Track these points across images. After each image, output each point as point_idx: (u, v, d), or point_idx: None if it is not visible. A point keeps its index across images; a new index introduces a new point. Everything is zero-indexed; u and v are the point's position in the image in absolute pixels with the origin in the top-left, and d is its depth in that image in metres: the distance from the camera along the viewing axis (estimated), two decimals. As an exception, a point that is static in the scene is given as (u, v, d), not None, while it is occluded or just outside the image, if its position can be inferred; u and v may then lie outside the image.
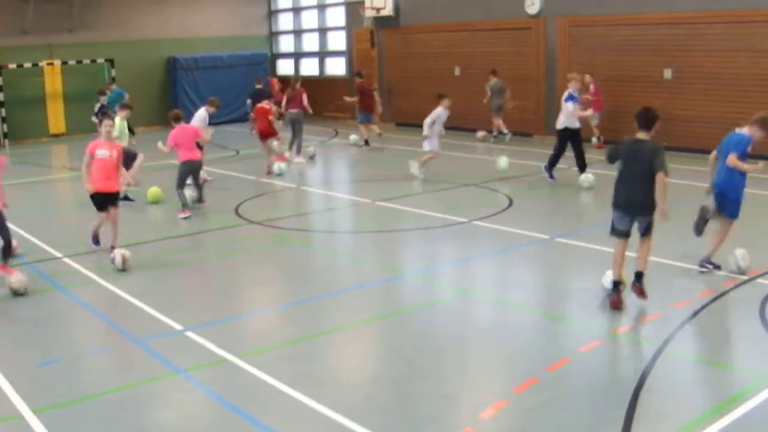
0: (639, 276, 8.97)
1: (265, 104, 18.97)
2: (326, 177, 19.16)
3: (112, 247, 11.56)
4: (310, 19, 32.32)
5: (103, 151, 11.59)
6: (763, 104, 17.82)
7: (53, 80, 27.80)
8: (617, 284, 8.98)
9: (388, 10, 27.09)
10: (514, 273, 10.80)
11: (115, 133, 13.53)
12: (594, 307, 9.37)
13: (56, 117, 27.96)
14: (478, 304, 9.59)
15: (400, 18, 27.31)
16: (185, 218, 14.18)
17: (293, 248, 12.59)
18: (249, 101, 23.64)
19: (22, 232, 13.39)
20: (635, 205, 8.96)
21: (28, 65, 26.95)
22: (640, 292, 8.86)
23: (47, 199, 17.51)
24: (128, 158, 13.25)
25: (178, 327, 8.73)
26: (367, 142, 22.42)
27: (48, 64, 27.53)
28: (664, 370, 7.26)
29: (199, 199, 15.24)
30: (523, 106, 23.18)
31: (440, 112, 17.14)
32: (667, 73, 19.87)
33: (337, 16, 30.83)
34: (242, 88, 28.62)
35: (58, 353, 8.16)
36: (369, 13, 27.59)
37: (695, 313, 8.66)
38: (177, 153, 14.57)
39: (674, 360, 7.55)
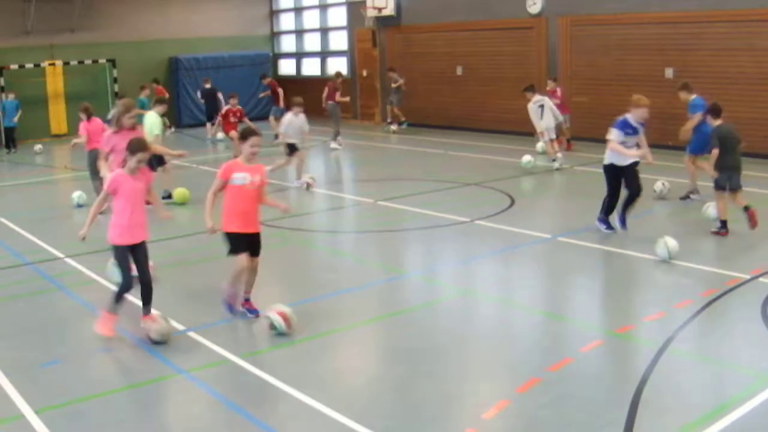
0: (746, 208, 11.59)
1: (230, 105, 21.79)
2: (328, 176, 19.16)
3: (247, 300, 9.11)
4: (311, 19, 32.33)
5: (244, 175, 8.68)
6: (764, 103, 17.87)
7: (55, 81, 27.84)
8: (724, 222, 11.69)
9: (389, 10, 27.09)
10: (516, 273, 10.80)
11: (154, 130, 14.35)
12: (596, 307, 9.39)
13: (58, 117, 28.01)
14: (480, 304, 9.58)
15: (401, 18, 27.31)
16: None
17: (295, 248, 12.59)
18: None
19: (23, 233, 13.41)
20: (739, 167, 11.77)
21: (29, 66, 27.01)
22: (752, 215, 11.52)
23: (48, 199, 17.51)
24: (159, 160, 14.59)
25: (180, 327, 8.73)
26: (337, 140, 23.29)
27: (50, 64, 27.58)
28: (665, 369, 7.25)
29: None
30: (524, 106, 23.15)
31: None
32: (669, 73, 19.86)
33: (338, 16, 30.84)
34: (244, 88, 28.65)
35: (60, 353, 8.17)
36: (370, 13, 27.58)
37: (697, 313, 8.66)
38: (85, 143, 15.45)
39: (676, 359, 7.54)
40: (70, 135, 27.59)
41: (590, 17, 21.55)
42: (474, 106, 24.87)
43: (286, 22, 33.53)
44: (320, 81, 30.42)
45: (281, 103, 24.87)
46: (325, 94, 24.19)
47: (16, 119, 25.37)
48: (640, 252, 11.06)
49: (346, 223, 14.48)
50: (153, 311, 8.50)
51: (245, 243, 8.74)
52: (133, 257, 8.51)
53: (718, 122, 12.02)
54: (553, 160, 18.11)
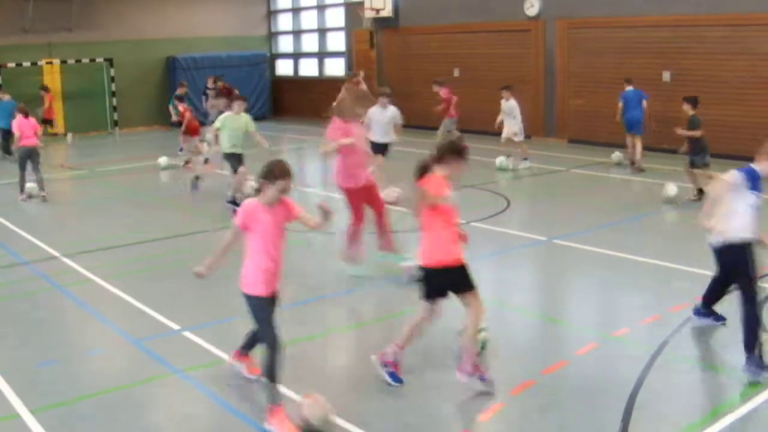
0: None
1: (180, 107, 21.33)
2: (323, 178, 19.14)
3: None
4: (309, 19, 32.34)
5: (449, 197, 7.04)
6: (761, 107, 17.91)
7: (52, 79, 27.80)
8: (701, 190, 11.92)
9: (387, 11, 27.10)
10: (511, 275, 10.81)
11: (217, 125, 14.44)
12: (591, 310, 9.40)
13: (55, 116, 27.95)
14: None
15: (399, 19, 27.33)
16: (23, 200, 16.42)
17: (290, 249, 12.54)
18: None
19: (20, 231, 13.40)
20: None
21: (27, 64, 26.98)
22: None
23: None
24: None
25: (175, 327, 8.74)
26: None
27: (47, 63, 27.55)
28: (661, 373, 7.27)
29: (41, 189, 16.72)
30: (522, 107, 23.21)
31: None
32: (666, 76, 19.90)
33: (336, 16, 30.86)
34: (242, 88, 28.66)
35: (56, 353, 8.17)
36: (368, 14, 27.61)
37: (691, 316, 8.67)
38: (18, 139, 16.48)
39: (671, 363, 7.56)
40: (68, 133, 27.68)
41: (587, 20, 21.58)
42: (471, 107, 24.84)
43: (284, 22, 33.54)
44: (317, 82, 30.51)
45: None
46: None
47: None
48: (636, 255, 11.08)
49: (341, 225, 14.44)
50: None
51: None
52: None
53: (694, 112, 14.42)
54: (525, 159, 18.76)
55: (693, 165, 14.47)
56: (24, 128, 16.57)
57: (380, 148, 14.68)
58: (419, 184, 7.11)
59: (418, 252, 7.26)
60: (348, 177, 10.12)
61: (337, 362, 8.07)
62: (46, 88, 25.49)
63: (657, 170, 16.98)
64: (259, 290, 6.76)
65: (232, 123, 14.49)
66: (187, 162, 19.54)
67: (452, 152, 7.13)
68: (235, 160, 14.65)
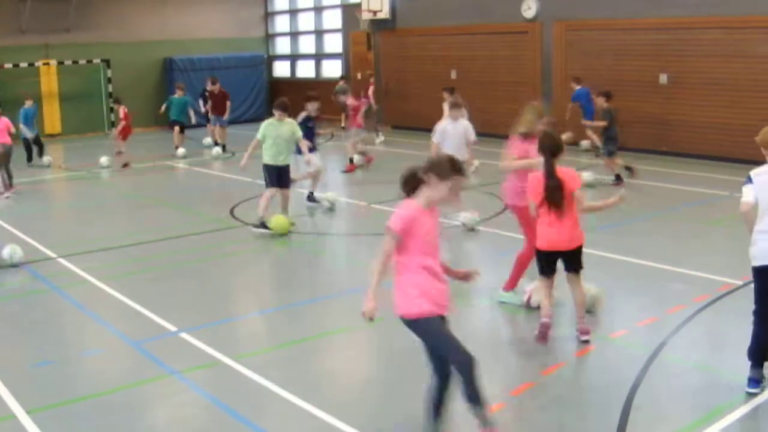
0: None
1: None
2: (322, 179, 19.13)
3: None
4: (306, 21, 32.35)
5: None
6: (757, 109, 17.90)
7: (49, 80, 27.81)
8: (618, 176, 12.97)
9: (384, 13, 27.09)
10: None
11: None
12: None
13: (52, 117, 27.97)
14: (473, 308, 9.58)
15: (396, 21, 27.33)
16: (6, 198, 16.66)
17: (288, 250, 12.59)
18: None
19: (17, 233, 13.38)
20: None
21: (24, 65, 26.96)
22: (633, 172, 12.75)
23: (42, 199, 17.48)
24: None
25: (172, 328, 8.73)
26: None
27: (44, 64, 27.54)
28: (658, 374, 7.27)
29: (9, 185, 17.14)
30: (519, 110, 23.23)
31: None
32: (663, 78, 19.91)
33: (333, 18, 30.86)
34: (239, 90, 28.66)
35: (53, 354, 8.15)
36: (365, 16, 27.59)
37: (689, 318, 8.68)
38: None
39: (669, 365, 7.56)
40: (64, 134, 27.67)
41: (585, 22, 21.60)
42: (469, 109, 24.82)
43: (281, 24, 33.55)
44: (315, 83, 30.47)
45: None
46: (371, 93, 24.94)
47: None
48: (633, 257, 11.08)
49: (339, 226, 14.46)
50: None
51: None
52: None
53: (609, 104, 16.31)
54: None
55: (609, 154, 16.46)
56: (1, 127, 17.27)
57: None
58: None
59: None
60: (520, 196, 9.10)
61: (335, 364, 8.05)
62: (118, 100, 23.02)
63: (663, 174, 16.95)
64: (428, 309, 5.76)
65: (274, 131, 13.03)
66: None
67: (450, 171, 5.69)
68: (277, 175, 13.09)
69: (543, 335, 8.10)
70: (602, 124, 16.53)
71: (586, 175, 15.55)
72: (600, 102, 16.63)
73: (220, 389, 7.22)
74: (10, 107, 26.34)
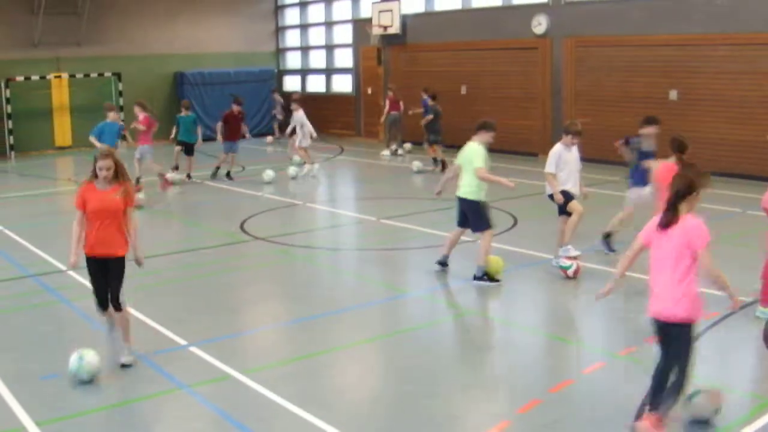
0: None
1: None
2: (331, 194, 19.19)
3: None
4: (317, 36, 32.44)
5: None
6: (767, 126, 17.91)
7: (60, 93, 27.91)
8: (443, 161, 13.96)
9: (395, 28, 27.18)
10: (519, 293, 10.78)
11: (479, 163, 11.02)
12: (597, 329, 9.38)
13: (63, 130, 28.06)
14: (481, 324, 9.59)
15: (407, 36, 27.40)
16: None
17: (298, 265, 12.61)
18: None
19: (27, 244, 13.43)
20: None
21: (35, 78, 27.08)
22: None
23: (52, 211, 17.53)
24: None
25: (182, 342, 8.74)
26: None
27: (55, 77, 27.65)
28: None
29: None
30: (529, 125, 23.30)
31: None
32: (673, 95, 19.91)
33: (344, 33, 30.94)
34: (249, 104, 28.73)
35: (62, 366, 8.16)
36: (376, 31, 27.70)
37: (698, 335, 8.64)
38: None
39: (678, 382, 7.53)
40: (75, 147, 27.76)
41: (595, 38, 21.63)
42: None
43: (292, 38, 33.66)
44: (325, 98, 30.57)
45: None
46: (387, 108, 25.06)
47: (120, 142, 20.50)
48: (642, 273, 11.04)
49: (348, 241, 14.49)
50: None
51: None
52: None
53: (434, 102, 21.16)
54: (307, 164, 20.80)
55: (430, 143, 21.29)
56: None
57: (566, 197, 11.41)
58: None
59: None
60: None
61: (343, 379, 8.05)
62: (143, 105, 21.20)
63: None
64: (698, 316, 6.34)
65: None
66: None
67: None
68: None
69: None
70: (429, 118, 21.29)
71: (415, 165, 21.02)
72: (428, 100, 21.49)
73: (230, 404, 7.22)
74: (21, 119, 26.61)
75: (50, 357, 8.47)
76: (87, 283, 11.01)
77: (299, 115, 20.96)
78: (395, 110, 24.86)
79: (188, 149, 20.55)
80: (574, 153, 11.46)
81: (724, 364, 8.19)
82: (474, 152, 10.99)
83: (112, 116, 16.32)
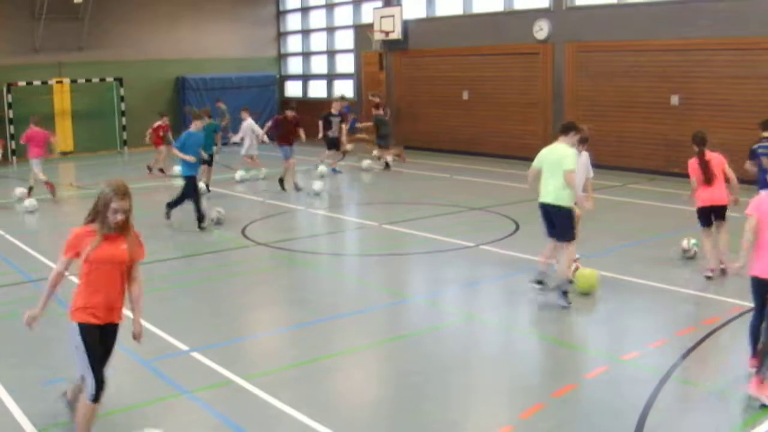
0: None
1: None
2: (333, 199, 19.17)
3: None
4: (318, 41, 32.49)
5: None
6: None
7: (62, 98, 27.98)
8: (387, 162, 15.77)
9: (396, 34, 27.21)
10: (521, 298, 10.76)
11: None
12: (600, 334, 9.37)
13: (64, 135, 28.10)
14: (484, 329, 9.58)
15: (408, 41, 27.43)
16: None
17: (299, 270, 12.60)
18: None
19: (29, 250, 13.43)
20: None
21: (37, 83, 27.14)
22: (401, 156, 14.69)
23: (54, 216, 17.53)
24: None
25: (183, 347, 8.73)
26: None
27: (57, 82, 27.70)
28: (669, 397, 7.24)
29: None
30: (530, 131, 23.31)
31: None
32: (674, 100, 19.92)
33: (345, 38, 31.00)
34: (251, 109, 28.69)
35: (64, 372, 8.15)
36: (378, 37, 27.73)
37: (700, 341, 8.64)
38: None
39: (679, 387, 7.54)
40: (77, 152, 27.79)
41: (596, 44, 21.64)
42: (480, 130, 24.91)
43: (294, 44, 33.71)
44: (326, 103, 30.55)
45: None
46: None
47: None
48: (643, 279, 11.06)
49: (350, 246, 14.49)
50: None
51: None
52: None
53: (380, 112, 23.35)
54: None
55: (379, 146, 23.25)
56: None
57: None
58: None
59: None
60: None
61: (344, 384, 8.04)
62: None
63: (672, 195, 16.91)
64: None
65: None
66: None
67: None
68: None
69: None
70: (369, 124, 24.18)
71: (365, 163, 23.11)
72: (375, 112, 23.47)
73: (231, 409, 7.21)
74: (22, 125, 26.60)
75: (52, 363, 8.46)
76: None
77: (248, 124, 21.47)
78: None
79: (208, 159, 19.09)
80: (583, 159, 11.03)
81: (727, 367, 8.17)
82: (566, 154, 10.12)
83: (198, 125, 15.62)
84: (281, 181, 19.47)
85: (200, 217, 14.84)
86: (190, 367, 8.25)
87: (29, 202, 17.53)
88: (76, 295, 6.45)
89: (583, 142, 10.88)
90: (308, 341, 9.11)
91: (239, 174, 21.25)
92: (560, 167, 10.03)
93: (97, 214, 6.32)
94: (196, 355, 8.52)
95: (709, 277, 10.94)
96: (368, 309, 10.28)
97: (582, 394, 7.47)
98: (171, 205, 15.34)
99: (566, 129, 10.48)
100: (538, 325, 9.65)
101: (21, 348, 8.99)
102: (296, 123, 20.05)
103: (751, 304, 9.56)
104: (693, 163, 11.43)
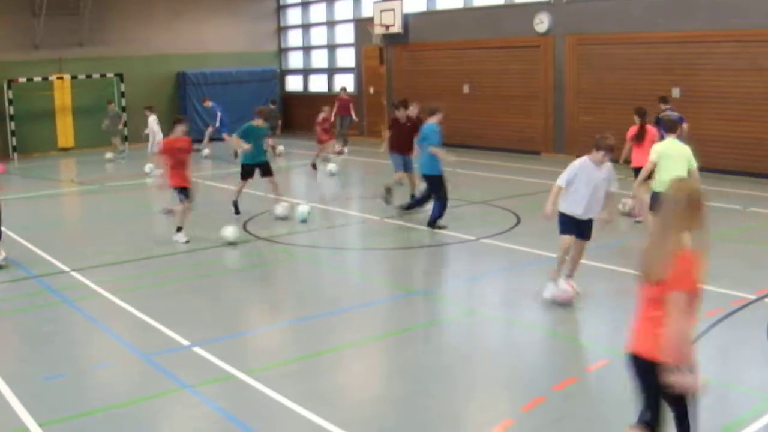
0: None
1: None
2: (335, 193, 19.16)
3: None
4: (319, 35, 32.46)
5: None
6: (771, 123, 17.89)
7: (63, 94, 27.96)
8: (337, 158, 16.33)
9: (397, 28, 27.18)
10: (522, 292, 10.75)
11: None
12: (602, 327, 9.36)
13: (65, 131, 28.12)
14: (485, 323, 9.57)
15: (409, 35, 27.40)
16: None
17: (301, 264, 12.60)
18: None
19: (30, 246, 13.43)
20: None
21: (38, 79, 27.13)
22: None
23: (55, 212, 17.55)
24: None
25: (185, 342, 8.73)
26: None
27: (58, 78, 27.69)
28: (671, 390, 7.22)
29: None
30: (531, 124, 23.29)
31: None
32: (676, 92, 19.88)
33: (346, 32, 30.97)
34: (251, 103, 28.71)
35: (65, 367, 8.16)
36: (378, 30, 27.70)
37: (702, 333, 8.63)
38: None
39: (682, 380, 7.52)
40: (78, 148, 27.79)
41: (597, 36, 21.61)
42: (481, 123, 24.90)
43: (294, 38, 33.69)
44: (327, 97, 30.58)
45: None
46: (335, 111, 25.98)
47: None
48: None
49: (352, 240, 14.48)
50: None
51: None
52: None
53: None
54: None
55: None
56: None
57: (584, 230, 9.94)
58: None
59: None
60: None
61: (346, 378, 8.04)
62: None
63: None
64: None
65: (672, 151, 10.86)
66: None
67: None
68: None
69: None
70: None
71: (330, 167, 21.62)
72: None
73: (233, 403, 7.21)
74: (23, 121, 26.64)
75: (53, 358, 8.46)
76: (90, 283, 11.07)
77: (150, 121, 22.25)
78: (346, 113, 26.48)
79: (265, 170, 16.07)
80: (603, 173, 9.53)
81: (729, 360, 8.16)
82: (689, 151, 10.13)
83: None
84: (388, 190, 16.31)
85: (410, 206, 15.29)
86: (192, 361, 8.25)
87: None
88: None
89: (608, 152, 9.48)
90: (310, 335, 9.11)
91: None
92: (691, 163, 10.86)
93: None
94: (197, 349, 8.51)
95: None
96: (370, 303, 10.28)
97: (584, 387, 7.46)
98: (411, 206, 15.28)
99: (675, 123, 11.74)
100: (539, 319, 9.64)
101: (22, 343, 9.01)
102: (413, 127, 15.72)
103: (751, 296, 9.59)
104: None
